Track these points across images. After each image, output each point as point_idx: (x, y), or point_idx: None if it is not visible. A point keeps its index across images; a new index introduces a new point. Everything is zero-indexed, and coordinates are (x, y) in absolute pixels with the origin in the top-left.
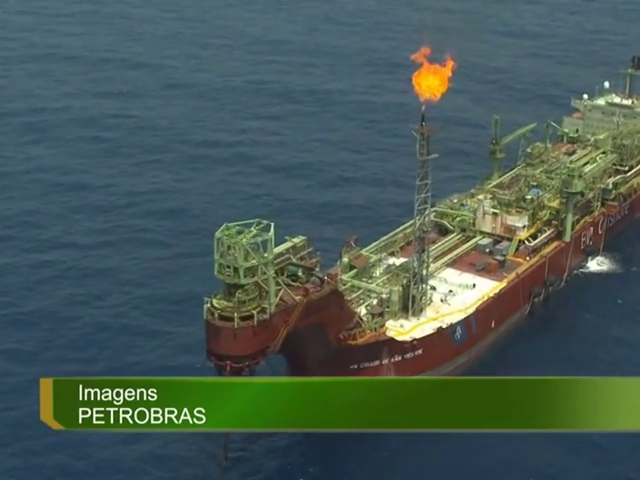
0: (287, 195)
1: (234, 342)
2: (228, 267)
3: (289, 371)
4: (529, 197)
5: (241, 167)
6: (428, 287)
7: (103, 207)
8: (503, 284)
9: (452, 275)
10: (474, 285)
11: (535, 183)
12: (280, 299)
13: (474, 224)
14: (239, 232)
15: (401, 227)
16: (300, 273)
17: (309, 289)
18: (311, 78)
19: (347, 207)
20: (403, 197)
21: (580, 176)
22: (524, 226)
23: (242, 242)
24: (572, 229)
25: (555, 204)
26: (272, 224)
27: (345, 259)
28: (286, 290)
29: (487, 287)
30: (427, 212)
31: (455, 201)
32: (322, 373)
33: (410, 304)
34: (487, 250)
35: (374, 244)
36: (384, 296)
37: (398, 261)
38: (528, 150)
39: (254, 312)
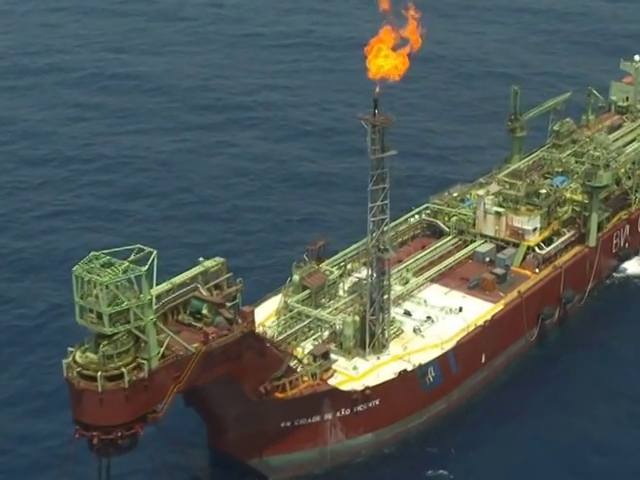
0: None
1: (100, 409)
2: (91, 311)
3: (207, 429)
4: (543, 191)
5: None
6: (390, 317)
7: None
8: (499, 306)
9: (437, 294)
10: (460, 309)
11: (561, 169)
12: (168, 349)
13: (474, 225)
14: (106, 265)
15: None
16: (205, 310)
17: (209, 334)
18: None
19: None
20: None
21: (607, 165)
22: (535, 229)
23: (105, 281)
24: (599, 230)
25: (581, 197)
26: (154, 252)
27: (296, 277)
28: (174, 338)
29: (477, 311)
30: (385, 225)
31: (455, 195)
32: (243, 432)
33: (367, 339)
34: (487, 259)
35: (347, 250)
36: (338, 327)
37: None
38: (555, 128)
39: (124, 370)
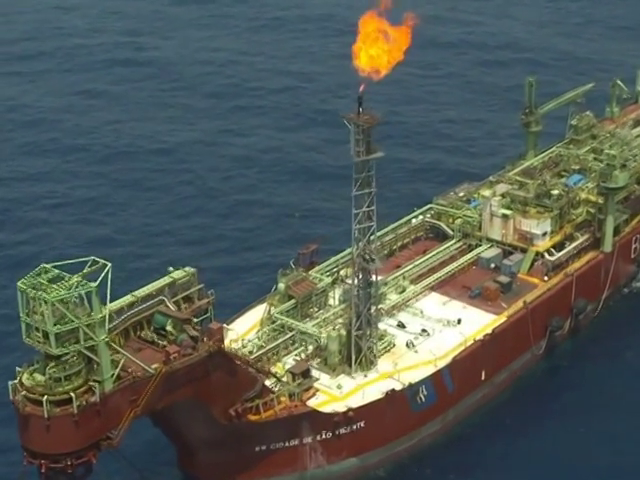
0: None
1: (47, 436)
2: (38, 330)
3: (176, 453)
4: (555, 192)
5: None
6: (381, 330)
7: None
8: (502, 318)
9: (435, 304)
10: (459, 321)
11: (578, 167)
12: (124, 370)
13: (480, 228)
14: (55, 280)
15: (382, 230)
16: (169, 326)
17: (171, 353)
18: None
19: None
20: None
21: (624, 165)
22: (544, 233)
23: (51, 297)
24: (616, 234)
25: (597, 198)
26: (109, 265)
27: (281, 285)
28: (130, 358)
29: (478, 323)
30: (371, 233)
31: (462, 194)
32: (214, 456)
33: (353, 356)
34: (492, 265)
35: (341, 255)
36: (323, 341)
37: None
38: (572, 122)
39: (73, 394)
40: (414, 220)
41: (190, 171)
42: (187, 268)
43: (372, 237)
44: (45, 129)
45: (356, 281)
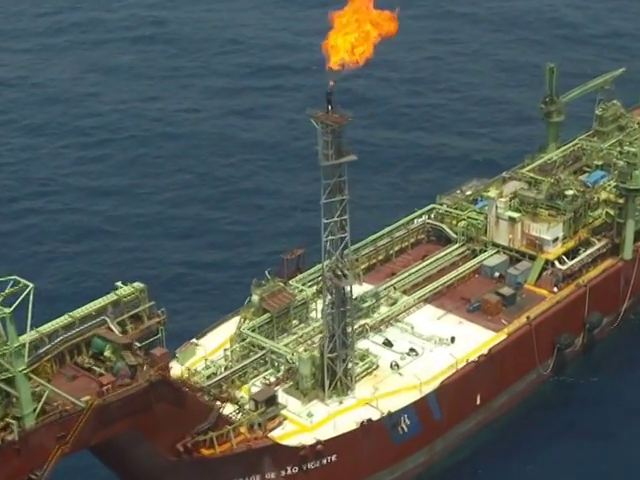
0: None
1: None
2: None
3: None
4: (570, 192)
5: None
6: (361, 350)
7: None
8: (501, 336)
9: (428, 318)
10: (452, 339)
11: (601, 162)
12: (50, 403)
13: (486, 232)
14: None
15: (371, 237)
16: (108, 352)
17: (104, 384)
18: None
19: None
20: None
21: None
22: (556, 239)
23: None
24: (637, 240)
25: (617, 199)
26: (30, 286)
27: (255, 297)
28: (53, 390)
29: (474, 342)
30: (345, 246)
31: (469, 193)
32: None
33: (326, 380)
34: (496, 274)
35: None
36: (296, 363)
37: (359, 289)
38: (597, 112)
39: None
40: (418, 220)
41: (194, 157)
42: (135, 284)
43: (345, 250)
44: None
45: (328, 298)
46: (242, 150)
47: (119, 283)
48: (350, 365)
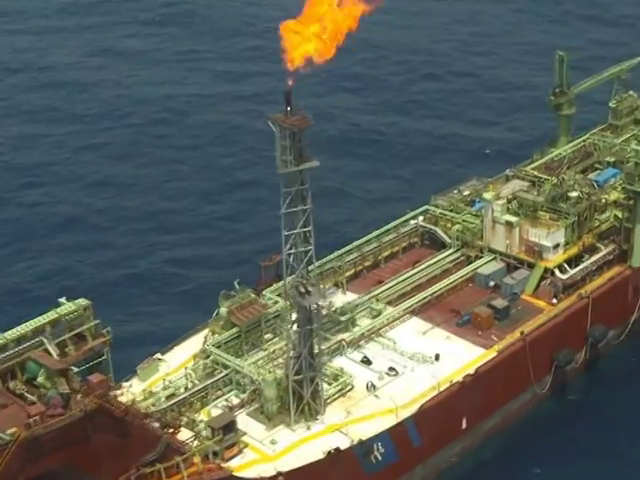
0: None
1: None
2: None
3: None
4: (574, 194)
5: None
6: (335, 369)
7: None
8: (491, 353)
9: (413, 333)
10: (437, 357)
11: (612, 159)
12: None
13: (482, 237)
14: None
15: (356, 242)
16: (41, 378)
17: (31, 415)
18: None
19: None
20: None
21: None
22: (556, 245)
23: None
24: None
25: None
26: None
27: (223, 309)
28: None
29: (461, 360)
30: (309, 260)
31: (467, 193)
32: None
33: (292, 405)
34: (491, 284)
35: (318, 263)
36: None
37: (343, 299)
38: (611, 104)
39: None
40: (412, 222)
41: (194, 147)
42: (79, 300)
43: (310, 265)
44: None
45: (292, 317)
46: (245, 139)
47: (63, 299)
48: (319, 387)
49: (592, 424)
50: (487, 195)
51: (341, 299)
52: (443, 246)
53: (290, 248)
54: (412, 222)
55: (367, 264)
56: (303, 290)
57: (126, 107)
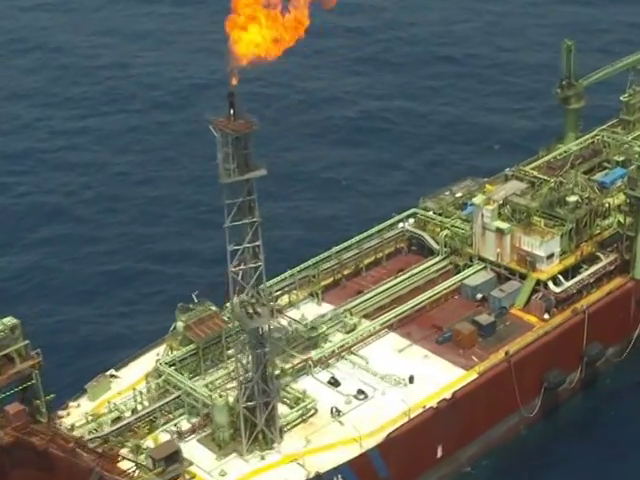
0: None
1: None
2: None
3: None
4: (572, 199)
5: None
6: (297, 390)
7: None
8: (471, 375)
9: (389, 350)
10: (411, 379)
11: (622, 158)
12: None
13: (472, 244)
14: None
15: (335, 248)
16: None
17: None
18: None
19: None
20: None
21: None
22: (551, 255)
23: None
24: None
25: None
26: None
27: (180, 323)
28: None
29: (436, 382)
30: (258, 278)
31: (459, 195)
32: None
33: (243, 433)
34: (478, 296)
35: (290, 272)
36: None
37: (317, 310)
38: (623, 98)
39: None
40: (401, 225)
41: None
42: (6, 319)
43: (261, 284)
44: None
45: (241, 339)
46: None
47: None
48: (275, 414)
49: (586, 446)
50: (476, 199)
51: (315, 311)
52: (431, 253)
53: (238, 264)
54: (400, 225)
55: (347, 272)
56: (251, 311)
57: (127, 90)
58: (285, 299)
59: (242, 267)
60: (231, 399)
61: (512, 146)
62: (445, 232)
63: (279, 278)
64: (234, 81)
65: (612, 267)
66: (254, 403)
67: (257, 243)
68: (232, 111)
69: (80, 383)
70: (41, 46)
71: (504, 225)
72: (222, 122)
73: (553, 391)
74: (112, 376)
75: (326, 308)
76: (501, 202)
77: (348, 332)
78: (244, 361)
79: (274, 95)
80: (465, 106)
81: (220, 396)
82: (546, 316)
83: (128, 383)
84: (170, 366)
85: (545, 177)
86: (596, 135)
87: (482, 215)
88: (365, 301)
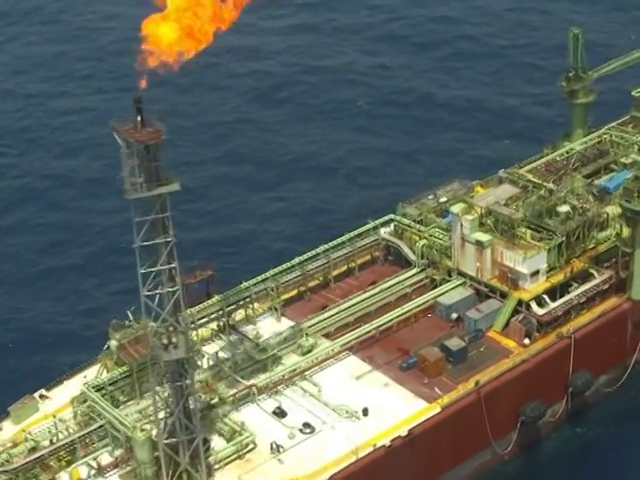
0: None
1: None
2: None
3: None
4: (564, 209)
5: None
6: (234, 422)
7: None
8: (433, 409)
9: (345, 377)
10: (365, 412)
11: (630, 160)
12: None
13: (451, 257)
14: None
15: (297, 258)
16: None
17: None
18: None
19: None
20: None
21: None
22: (535, 272)
23: None
24: None
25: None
26: None
27: (114, 342)
28: None
29: (394, 416)
30: (175, 303)
31: (443, 200)
32: None
33: (164, 472)
34: (453, 316)
35: (238, 288)
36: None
37: (276, 327)
38: (635, 93)
39: None
40: (383, 230)
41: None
42: None
43: (179, 311)
44: None
45: (157, 371)
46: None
47: None
48: (200, 451)
49: None
50: (455, 207)
51: (273, 328)
52: (409, 264)
53: (154, 288)
54: (383, 231)
55: (315, 284)
56: (166, 341)
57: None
58: (242, 312)
59: (154, 292)
60: (155, 432)
61: (526, 136)
62: (422, 242)
63: (235, 290)
64: (143, 84)
65: (607, 286)
66: (176, 440)
67: (173, 265)
68: (139, 118)
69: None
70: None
71: (484, 237)
72: (127, 130)
73: (532, 425)
74: (42, 396)
75: (286, 324)
76: (484, 210)
77: (304, 354)
78: (163, 394)
79: (282, 74)
80: (482, 89)
81: (141, 430)
82: (526, 341)
83: (58, 405)
84: (98, 390)
85: (540, 182)
86: (603, 134)
87: (461, 225)
88: (327, 318)
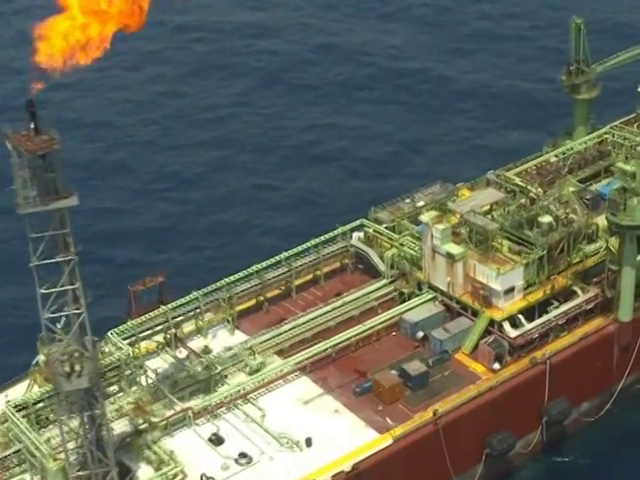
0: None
1: None
2: None
3: None
4: (546, 220)
5: None
6: (152, 458)
7: None
8: (384, 441)
9: (293, 400)
10: (308, 442)
11: (629, 167)
12: None
13: (422, 268)
14: None
15: (255, 266)
16: None
17: None
18: None
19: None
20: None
21: None
22: (510, 289)
23: None
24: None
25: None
26: None
27: (42, 357)
28: None
29: (340, 448)
30: (81, 327)
31: (420, 204)
32: None
33: None
34: (418, 334)
35: (188, 298)
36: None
37: (228, 341)
38: None
39: None
40: (356, 234)
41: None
42: None
43: (86, 336)
44: None
45: (63, 399)
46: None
47: None
48: None
49: None
50: (425, 216)
51: (225, 342)
52: (380, 274)
53: (50, 311)
54: (355, 236)
55: (276, 293)
56: (69, 369)
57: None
58: (191, 325)
59: (56, 315)
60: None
61: (534, 125)
62: (393, 251)
63: (184, 300)
64: (38, 86)
65: (591, 305)
66: (88, 473)
67: (76, 285)
68: (33, 124)
69: None
70: None
71: (455, 249)
72: (18, 138)
73: (500, 458)
74: None
75: (240, 338)
76: (459, 219)
77: (251, 374)
78: (72, 424)
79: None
80: (493, 72)
81: (55, 459)
82: (496, 366)
83: None
84: (22, 409)
85: (527, 186)
86: (605, 133)
87: (432, 235)
88: (283, 333)
